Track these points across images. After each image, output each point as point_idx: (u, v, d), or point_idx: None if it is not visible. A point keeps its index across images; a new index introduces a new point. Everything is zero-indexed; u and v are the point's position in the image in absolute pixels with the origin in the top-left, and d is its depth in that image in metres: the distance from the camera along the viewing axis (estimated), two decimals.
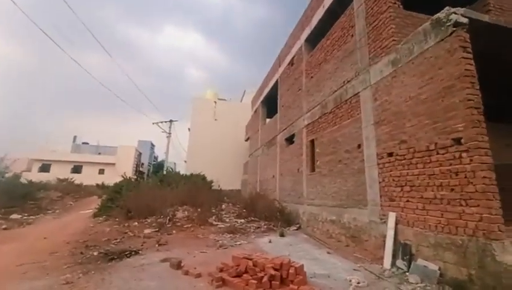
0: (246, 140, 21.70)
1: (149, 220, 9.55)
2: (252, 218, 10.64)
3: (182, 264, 4.58)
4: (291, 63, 11.42)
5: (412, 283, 3.83)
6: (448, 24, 3.97)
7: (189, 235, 7.74)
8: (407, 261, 4.26)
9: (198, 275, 4.09)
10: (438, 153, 3.97)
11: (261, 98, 16.43)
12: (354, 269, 4.56)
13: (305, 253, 5.73)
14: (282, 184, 11.13)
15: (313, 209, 8.07)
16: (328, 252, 5.73)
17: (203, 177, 16.19)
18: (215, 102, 23.87)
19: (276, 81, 13.40)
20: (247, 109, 22.37)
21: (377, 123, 5.41)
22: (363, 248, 5.49)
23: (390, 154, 4.98)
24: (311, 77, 9.04)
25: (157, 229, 8.31)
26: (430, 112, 4.16)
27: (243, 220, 10.42)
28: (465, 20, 3.90)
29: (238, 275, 3.85)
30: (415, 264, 4.07)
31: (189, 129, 23.89)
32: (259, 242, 6.94)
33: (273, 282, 3.56)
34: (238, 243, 6.83)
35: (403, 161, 4.63)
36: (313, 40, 9.55)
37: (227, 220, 10.61)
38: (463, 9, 4.02)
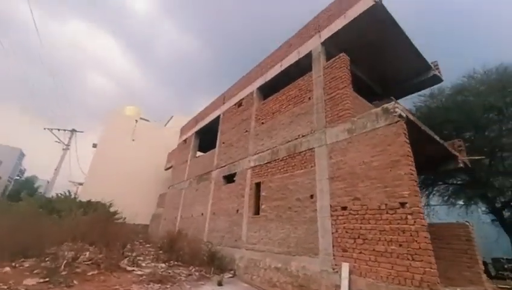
0: (167, 169, 19.76)
1: (27, 264, 6.87)
2: (174, 262, 9.31)
3: None
4: (239, 103, 11.88)
5: None
6: (394, 114, 5.29)
7: (102, 288, 5.92)
8: None
9: None
10: (387, 213, 4.87)
11: (195, 129, 15.86)
12: None
13: None
14: (214, 224, 10.46)
15: (253, 254, 7.86)
16: None
17: (109, 207, 13.28)
18: (136, 120, 21.12)
19: (218, 117, 13.44)
20: (173, 135, 20.93)
21: (331, 178, 6.19)
22: None
23: (344, 208, 5.70)
24: (262, 123, 9.62)
25: (45, 279, 5.99)
26: (380, 177, 5.16)
27: (163, 265, 8.97)
28: (404, 114, 5.31)
29: None
30: None
31: (94, 145, 19.71)
32: None
33: None
34: None
35: (357, 216, 5.38)
36: (266, 90, 10.46)
37: (144, 264, 8.88)
38: (402, 106, 5.50)
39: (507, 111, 11.19)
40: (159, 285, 6.51)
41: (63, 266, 6.75)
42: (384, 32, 7.73)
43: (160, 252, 10.90)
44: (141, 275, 7.33)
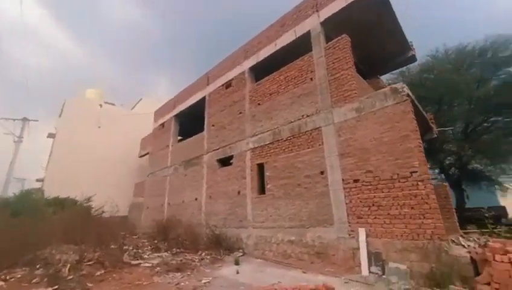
0: (142, 156, 18.55)
1: (18, 274, 6.22)
2: (177, 250, 9.22)
3: None
4: (227, 84, 11.57)
5: (393, 282, 4.94)
6: (403, 94, 5.85)
7: (124, 286, 5.68)
8: (381, 266, 5.42)
9: None
10: (399, 181, 5.54)
11: (175, 112, 15.04)
12: (345, 282, 5.21)
13: (286, 276, 5.79)
14: (212, 208, 10.46)
15: (262, 232, 8.21)
16: (304, 272, 6.10)
17: (85, 202, 12.22)
18: (100, 105, 18.93)
19: (203, 99, 12.93)
20: (144, 120, 19.51)
21: (341, 155, 6.68)
22: (330, 262, 6.30)
23: (356, 181, 6.27)
24: (259, 104, 9.62)
25: (54, 287, 5.53)
26: (391, 151, 5.77)
27: (167, 254, 8.83)
28: (410, 93, 5.91)
29: None
30: (389, 267, 5.26)
31: (50, 135, 17.30)
32: (225, 275, 6.23)
33: None
34: (204, 281, 5.80)
35: (369, 187, 5.99)
36: (259, 70, 10.34)
37: (146, 256, 8.63)
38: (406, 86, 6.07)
39: (461, 88, 13.02)
40: (180, 273, 6.47)
41: (67, 271, 6.25)
42: (376, 13, 8.15)
43: (155, 241, 10.61)
44: (152, 267, 7.17)
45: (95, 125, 18.26)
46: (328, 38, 8.16)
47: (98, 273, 6.51)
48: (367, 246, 5.72)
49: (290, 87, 8.61)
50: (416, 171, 5.35)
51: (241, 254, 8.31)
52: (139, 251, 9.14)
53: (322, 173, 7.03)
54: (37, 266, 6.70)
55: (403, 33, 9.24)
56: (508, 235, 6.05)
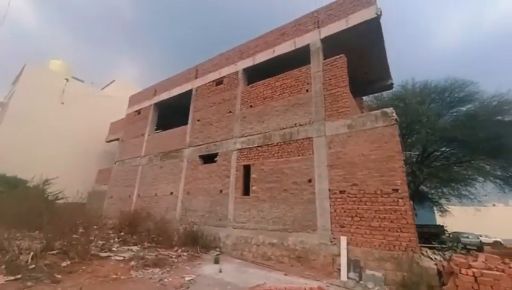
0: (110, 141, 17.13)
1: None
2: (148, 244, 8.76)
3: None
4: (218, 81, 11.43)
5: (370, 288, 5.41)
6: (392, 118, 6.49)
7: (100, 279, 5.25)
8: (358, 272, 5.88)
9: None
10: (382, 197, 6.11)
11: (155, 100, 14.30)
12: (327, 286, 5.53)
13: (270, 277, 5.92)
14: (189, 204, 10.16)
15: (243, 232, 8.25)
16: (285, 274, 6.30)
17: (43, 185, 10.98)
18: (66, 79, 16.95)
19: (189, 92, 12.54)
20: (116, 102, 18.16)
21: (330, 166, 7.10)
22: (310, 266, 6.62)
23: (342, 192, 6.73)
24: (251, 106, 9.71)
25: (16, 276, 4.91)
26: (377, 168, 6.34)
27: (137, 247, 8.35)
28: (397, 118, 6.57)
29: None
30: (366, 274, 5.75)
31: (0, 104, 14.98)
32: (208, 273, 6.14)
33: None
34: (187, 278, 5.64)
35: (354, 199, 6.48)
36: (254, 72, 10.45)
37: (115, 249, 8.06)
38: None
39: (423, 119, 14.74)
40: (158, 269, 6.20)
41: (30, 259, 5.56)
42: (369, 40, 8.88)
43: (122, 234, 9.93)
44: (125, 261, 6.75)
45: (57, 101, 16.32)
46: (324, 55, 8.63)
47: (64, 264, 5.91)
48: (347, 253, 6.15)
49: (285, 94, 8.87)
50: (398, 189, 5.95)
51: (219, 253, 8.23)
52: (106, 242, 8.48)
53: (309, 181, 7.37)
54: None
55: (387, 62, 10.20)
56: (463, 252, 7.05)
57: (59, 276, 5.15)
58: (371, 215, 6.14)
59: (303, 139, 7.90)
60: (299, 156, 7.83)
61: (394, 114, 6.52)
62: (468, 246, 15.42)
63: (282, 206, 7.66)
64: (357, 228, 6.27)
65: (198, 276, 5.87)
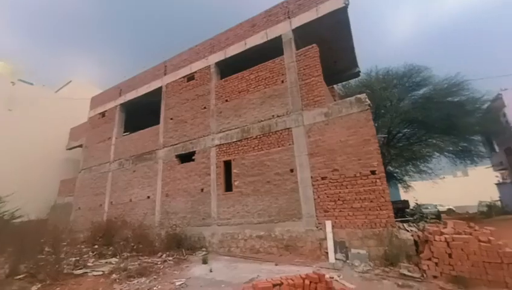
0: (71, 148, 15.64)
1: None
2: (128, 254, 8.28)
3: None
4: (189, 77, 11.00)
5: (356, 265, 5.72)
6: (365, 103, 6.82)
7: None
8: (345, 252, 6.18)
9: None
10: (361, 179, 6.44)
11: (121, 101, 13.34)
12: (317, 269, 5.72)
13: (262, 270, 5.95)
14: (168, 207, 9.75)
15: (228, 229, 8.16)
16: (276, 264, 6.39)
17: None
18: (13, 83, 14.89)
19: (159, 89, 11.91)
20: (73, 105, 16.61)
21: (311, 154, 7.28)
22: (298, 253, 6.79)
23: (324, 178, 6.95)
24: (226, 100, 9.52)
25: None
26: (355, 152, 6.65)
27: (115, 259, 7.87)
28: (370, 103, 6.93)
29: None
30: (352, 253, 6.06)
31: None
32: (198, 274, 5.98)
33: None
34: (178, 282, 5.44)
35: (336, 183, 6.74)
36: (226, 66, 10.23)
37: (91, 264, 7.52)
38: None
39: (387, 104, 15.79)
40: (144, 278, 5.88)
41: None
42: (337, 31, 9.18)
43: (95, 247, 9.25)
44: (105, 275, 6.32)
45: (3, 108, 14.36)
46: (295, 45, 8.73)
47: (34, 288, 5.36)
48: (333, 236, 6.42)
49: (261, 87, 8.84)
50: (375, 170, 6.32)
51: (205, 252, 8.05)
52: (79, 258, 7.82)
53: (291, 170, 7.50)
54: None
55: (354, 52, 10.66)
56: (433, 221, 7.77)
57: None
58: (352, 197, 6.45)
59: (282, 130, 7.97)
60: (279, 147, 7.90)
61: (367, 99, 6.86)
62: (428, 215, 17.18)
63: (267, 198, 7.71)
64: (340, 211, 6.56)
65: (189, 279, 5.69)
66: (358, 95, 7.04)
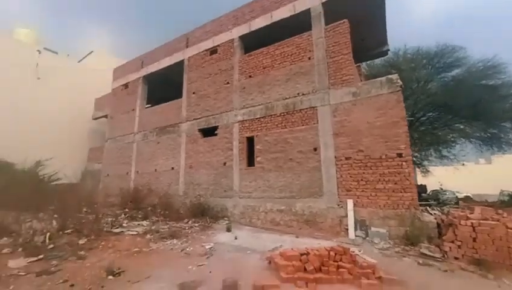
0: (97, 118, 16.31)
1: None
2: (155, 218, 8.92)
3: (240, 283, 3.67)
4: (212, 50, 10.87)
5: (376, 243, 5.94)
6: (397, 84, 6.59)
7: (125, 253, 5.38)
8: (364, 230, 6.40)
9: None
10: (387, 161, 6.44)
11: (143, 73, 13.50)
12: (338, 244, 6.00)
13: (284, 241, 6.31)
14: (191, 178, 10.22)
15: (250, 201, 8.54)
16: (296, 236, 6.74)
17: (37, 167, 10.58)
18: (39, 51, 15.33)
19: (181, 62, 11.90)
20: (97, 75, 17.01)
21: (336, 134, 7.27)
22: (318, 228, 7.09)
23: (348, 158, 7.00)
24: (250, 76, 9.44)
25: (38, 257, 4.94)
26: (383, 134, 6.58)
27: (146, 222, 8.51)
28: (402, 84, 6.69)
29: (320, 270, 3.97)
30: (371, 231, 6.26)
31: None
32: (224, 241, 6.44)
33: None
34: (207, 246, 5.91)
35: (360, 164, 6.79)
36: (251, 40, 9.98)
37: (125, 224, 8.17)
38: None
39: (414, 85, 15.07)
40: (176, 240, 6.41)
41: (47, 239, 5.55)
42: (369, 7, 8.65)
43: (126, 210, 9.99)
44: (140, 235, 6.90)
45: (32, 76, 14.92)
46: (324, 21, 8.32)
47: (81, 241, 5.99)
48: (354, 214, 6.61)
49: (286, 63, 8.65)
50: (402, 153, 6.28)
51: (228, 222, 8.54)
52: (114, 219, 8.54)
53: (315, 149, 7.57)
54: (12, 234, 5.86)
55: (385, 30, 10.05)
56: (456, 206, 7.78)
57: (82, 253, 5.24)
58: (376, 178, 6.51)
59: (307, 108, 7.92)
60: (303, 125, 7.91)
61: (399, 80, 6.62)
62: (447, 202, 17.05)
63: (289, 175, 7.91)
64: (362, 191, 6.67)
65: (216, 243, 6.15)
66: (390, 76, 6.79)
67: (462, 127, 16.09)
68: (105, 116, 15.49)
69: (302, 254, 4.28)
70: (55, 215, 7.08)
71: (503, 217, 4.89)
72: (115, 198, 11.07)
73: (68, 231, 6.35)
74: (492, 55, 14.15)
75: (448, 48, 15.21)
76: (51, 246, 5.44)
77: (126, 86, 14.40)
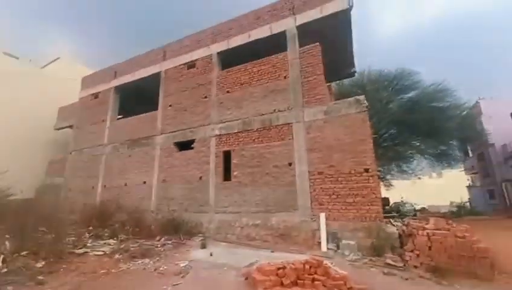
0: (60, 129, 15.16)
1: None
2: (125, 236, 8.45)
3: None
4: (190, 64, 10.96)
5: (346, 255, 6.27)
6: (363, 104, 7.25)
7: (90, 275, 5.03)
8: (336, 243, 6.71)
9: None
10: (355, 176, 6.93)
11: (116, 83, 13.05)
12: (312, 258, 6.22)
13: (260, 255, 6.36)
14: (165, 192, 9.91)
15: (225, 216, 8.50)
16: (272, 251, 6.84)
17: None
18: None
19: (157, 74, 11.77)
20: (61, 84, 16.02)
21: (309, 150, 7.68)
22: (293, 242, 7.27)
23: (320, 173, 7.40)
24: (228, 92, 9.65)
25: None
26: (351, 150, 7.11)
27: (113, 241, 8.03)
28: (367, 105, 7.36)
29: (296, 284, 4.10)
30: (342, 243, 6.60)
31: None
32: (200, 257, 6.31)
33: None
34: (182, 264, 5.74)
35: (331, 179, 7.21)
36: (229, 56, 10.27)
37: (89, 244, 7.63)
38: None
39: (377, 105, 16.46)
40: (148, 259, 6.13)
41: (0, 263, 5.00)
42: (339, 31, 9.47)
43: (90, 228, 9.30)
44: (107, 255, 6.51)
45: None
46: (298, 42, 8.94)
47: (39, 265, 5.48)
48: (326, 227, 6.93)
49: (264, 80, 9.04)
50: (369, 169, 6.82)
51: (203, 238, 8.36)
52: (77, 239, 7.90)
53: (290, 164, 7.88)
54: None
55: (352, 53, 11.03)
56: (414, 217, 8.49)
57: (41, 277, 4.79)
58: (346, 192, 6.95)
59: (283, 124, 8.29)
60: (279, 141, 8.22)
61: (365, 101, 7.28)
62: (406, 213, 18.48)
63: (265, 189, 8.08)
64: (334, 204, 7.06)
65: (192, 261, 6.01)
66: (358, 97, 7.45)
67: (418, 144, 17.77)
68: (70, 127, 14.51)
69: (279, 268, 4.39)
70: (8, 236, 6.40)
71: (453, 227, 5.52)
72: (78, 215, 10.27)
73: (23, 253, 5.76)
74: (442, 80, 16.11)
75: (405, 72, 17.00)
76: (5, 270, 4.91)
77: (96, 95, 13.75)
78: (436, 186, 37.32)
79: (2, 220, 7.44)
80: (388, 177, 22.61)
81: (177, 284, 4.51)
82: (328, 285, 4.13)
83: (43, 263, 5.60)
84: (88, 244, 7.57)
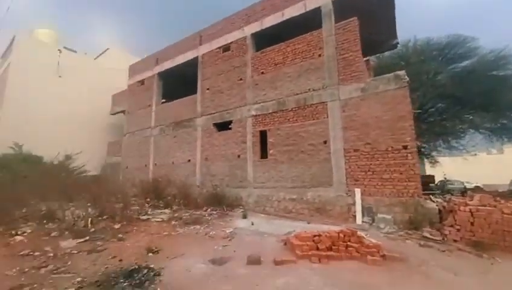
0: (115, 114, 17.14)
1: (29, 229, 6.17)
2: (176, 207, 9.68)
3: (262, 259, 4.30)
4: (225, 48, 11.32)
5: (382, 228, 6.48)
6: (404, 80, 6.96)
7: (156, 236, 6.11)
8: (371, 217, 6.93)
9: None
10: (393, 153, 6.89)
11: (159, 70, 14.10)
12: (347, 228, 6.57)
13: (296, 226, 6.92)
14: (208, 169, 10.91)
15: (262, 191, 9.17)
16: (308, 223, 7.34)
17: (66, 161, 11.48)
18: (59, 50, 16.12)
19: (195, 59, 12.41)
20: (113, 73, 17.72)
21: (345, 128, 7.73)
22: (327, 215, 7.66)
23: (356, 150, 7.48)
24: (262, 73, 9.89)
25: (84, 238, 5.70)
26: (389, 127, 7.00)
27: (167, 210, 9.27)
28: (408, 80, 7.05)
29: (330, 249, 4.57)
30: (378, 217, 6.80)
31: None
32: (242, 226, 7.09)
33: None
34: (228, 230, 6.58)
35: (367, 156, 7.26)
36: (263, 37, 10.37)
37: (150, 212, 8.95)
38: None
39: (423, 77, 15.15)
40: (199, 226, 7.10)
41: (89, 224, 6.35)
42: (378, 2, 8.86)
43: (148, 200, 10.79)
44: (166, 221, 7.64)
45: (54, 74, 15.78)
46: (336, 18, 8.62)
47: (116, 226, 6.75)
48: (361, 202, 7.14)
49: (297, 60, 9.06)
50: (407, 146, 6.71)
51: (243, 210, 9.22)
52: (139, 208, 9.34)
53: (325, 142, 8.06)
54: (44, 221, 6.66)
55: (395, 23, 10.24)
56: (460, 195, 8.19)
57: (120, 235, 5.99)
58: (382, 169, 6.99)
59: (317, 103, 8.37)
60: (314, 120, 8.38)
61: (406, 76, 6.98)
62: (453, 191, 17.33)
63: (300, 166, 8.46)
64: (369, 180, 7.17)
65: (236, 228, 6.81)
66: (398, 72, 7.15)
67: (471, 117, 16.13)
68: (123, 112, 16.28)
69: (314, 236, 4.87)
70: (89, 204, 7.90)
71: (500, 203, 5.33)
72: (136, 189, 11.93)
73: (104, 217, 7.15)
74: (504, 46, 14.07)
75: (459, 39, 15.17)
76: (93, 229, 6.23)
77: (142, 82, 15.07)
78: (495, 163, 33.69)
79: (81, 191, 9.14)
80: (434, 154, 21.14)
81: (226, 246, 5.30)
82: (361, 252, 4.50)
83: (119, 225, 6.91)
84: (149, 213, 8.93)
